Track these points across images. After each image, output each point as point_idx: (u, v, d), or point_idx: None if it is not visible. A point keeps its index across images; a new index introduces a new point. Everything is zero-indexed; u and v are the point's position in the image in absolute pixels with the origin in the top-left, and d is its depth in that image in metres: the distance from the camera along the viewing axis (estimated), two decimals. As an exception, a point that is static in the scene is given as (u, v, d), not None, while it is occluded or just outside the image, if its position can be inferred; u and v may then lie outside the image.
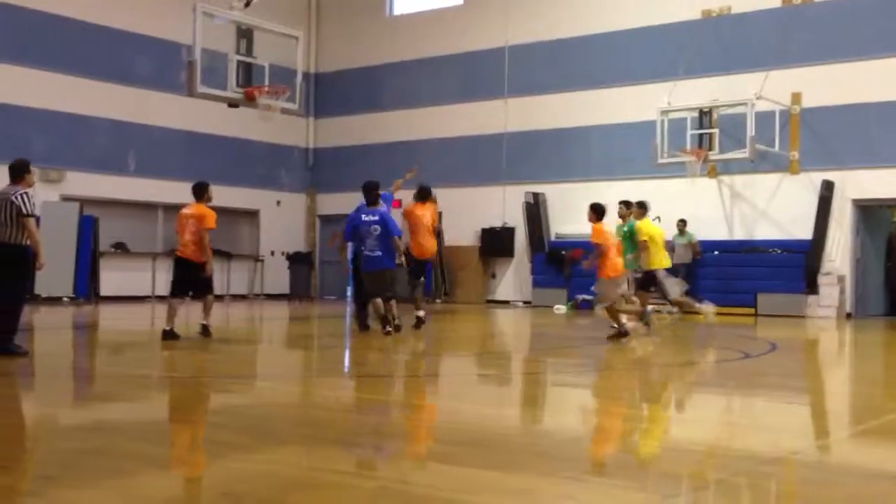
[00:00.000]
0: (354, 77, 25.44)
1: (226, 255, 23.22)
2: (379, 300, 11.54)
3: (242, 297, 23.61)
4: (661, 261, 12.74)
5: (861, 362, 11.29)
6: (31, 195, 8.78)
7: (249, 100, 14.82)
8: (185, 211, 11.05)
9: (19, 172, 8.94)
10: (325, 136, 26.13)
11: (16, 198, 8.65)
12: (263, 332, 14.86)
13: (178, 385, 7.81)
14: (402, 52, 24.55)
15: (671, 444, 5.05)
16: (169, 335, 10.60)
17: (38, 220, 9.18)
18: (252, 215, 24.79)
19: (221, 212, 23.32)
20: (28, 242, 8.71)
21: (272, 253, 25.00)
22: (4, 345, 8.66)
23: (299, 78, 15.52)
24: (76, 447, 4.85)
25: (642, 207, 13.00)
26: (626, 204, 12.94)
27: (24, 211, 8.62)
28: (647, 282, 12.81)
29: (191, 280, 10.93)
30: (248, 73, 14.90)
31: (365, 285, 11.97)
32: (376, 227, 11.46)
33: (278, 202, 25.38)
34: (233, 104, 14.97)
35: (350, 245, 12.51)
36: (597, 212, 11.40)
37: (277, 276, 24.70)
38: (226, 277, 23.35)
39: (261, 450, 4.80)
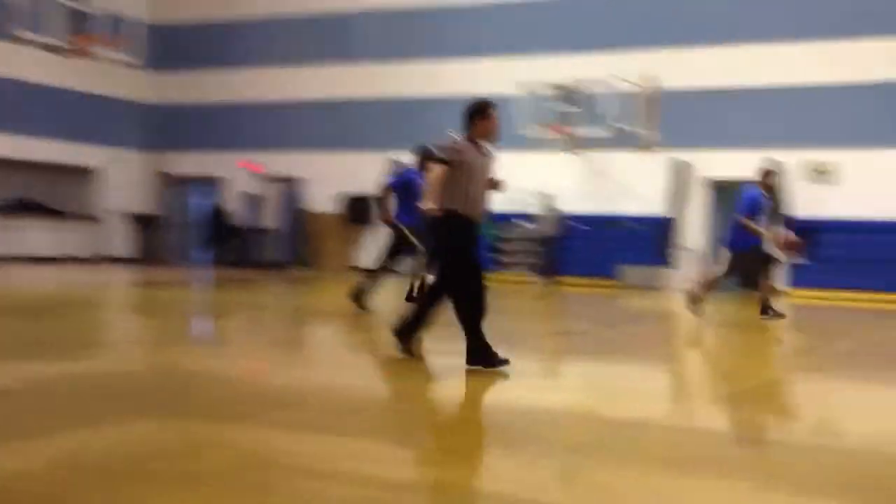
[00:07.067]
0: (197, 31, 23.96)
1: (57, 215, 21.69)
2: None
3: (83, 261, 21.90)
4: None
5: (724, 334, 11.31)
6: None
7: (80, 49, 13.72)
8: None
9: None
10: (167, 91, 24.45)
11: None
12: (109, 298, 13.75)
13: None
14: (246, 7, 23.35)
15: (540, 409, 5.26)
16: None
17: None
18: (87, 173, 22.93)
19: (53, 169, 21.94)
20: None
21: (112, 213, 23.38)
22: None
23: (134, 28, 14.60)
24: None
25: None
26: None
27: None
28: None
29: None
30: (78, 21, 13.83)
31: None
32: None
33: (115, 160, 23.61)
34: (60, 51, 13.82)
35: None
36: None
37: (121, 238, 23.24)
38: (56, 238, 21.78)
39: (109, 420, 4.45)
